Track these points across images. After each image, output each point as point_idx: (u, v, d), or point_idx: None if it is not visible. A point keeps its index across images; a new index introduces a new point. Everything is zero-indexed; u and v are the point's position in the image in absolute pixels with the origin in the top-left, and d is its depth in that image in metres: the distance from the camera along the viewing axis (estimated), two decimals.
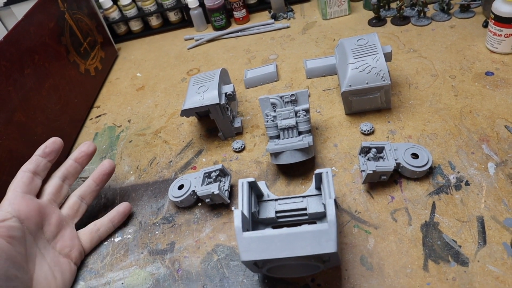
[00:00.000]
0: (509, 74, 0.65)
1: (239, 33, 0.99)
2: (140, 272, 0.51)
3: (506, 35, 0.66)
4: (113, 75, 0.97)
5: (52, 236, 0.51)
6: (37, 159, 0.53)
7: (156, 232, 0.56)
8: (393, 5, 0.91)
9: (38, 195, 0.53)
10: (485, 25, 0.77)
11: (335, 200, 0.41)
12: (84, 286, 0.51)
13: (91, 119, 0.83)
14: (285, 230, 0.39)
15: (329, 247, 0.38)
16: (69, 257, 0.51)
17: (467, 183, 0.51)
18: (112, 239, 0.56)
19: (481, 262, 0.43)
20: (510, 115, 0.58)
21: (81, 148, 0.57)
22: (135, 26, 1.11)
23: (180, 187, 0.57)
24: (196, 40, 1.00)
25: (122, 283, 0.50)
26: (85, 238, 0.54)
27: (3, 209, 0.47)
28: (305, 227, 0.39)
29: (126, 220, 0.58)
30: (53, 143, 0.55)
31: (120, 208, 0.57)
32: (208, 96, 0.62)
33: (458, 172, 0.52)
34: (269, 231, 0.39)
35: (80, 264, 0.54)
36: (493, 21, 0.66)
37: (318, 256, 0.39)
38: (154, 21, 1.10)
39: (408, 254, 0.45)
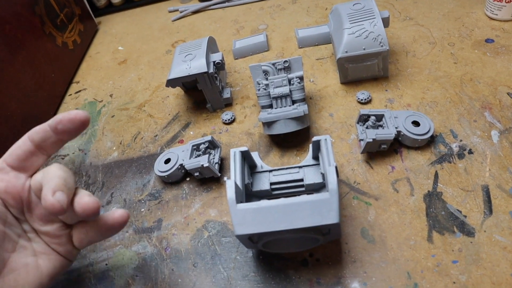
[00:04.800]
0: (510, 41, 0.62)
1: (226, 4, 0.94)
2: (126, 252, 0.48)
3: (507, 0, 0.63)
4: (93, 50, 0.92)
5: (39, 219, 0.39)
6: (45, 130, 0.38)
7: (142, 210, 0.52)
8: None
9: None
10: None
11: (336, 168, 0.38)
12: None
13: (70, 94, 0.78)
14: (282, 200, 0.36)
15: (331, 217, 0.35)
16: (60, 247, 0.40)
17: (470, 152, 0.48)
18: None
19: (487, 232, 0.41)
20: None
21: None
22: None
23: (167, 161, 0.54)
24: (181, 12, 0.95)
25: (106, 264, 0.47)
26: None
27: None
28: (304, 197, 0.36)
29: (110, 198, 0.54)
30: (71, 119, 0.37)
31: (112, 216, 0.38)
32: (195, 64, 0.58)
33: (461, 141, 0.50)
34: (265, 202, 0.36)
35: None
36: None
37: (318, 228, 0.37)
38: None
39: (411, 226, 0.43)
